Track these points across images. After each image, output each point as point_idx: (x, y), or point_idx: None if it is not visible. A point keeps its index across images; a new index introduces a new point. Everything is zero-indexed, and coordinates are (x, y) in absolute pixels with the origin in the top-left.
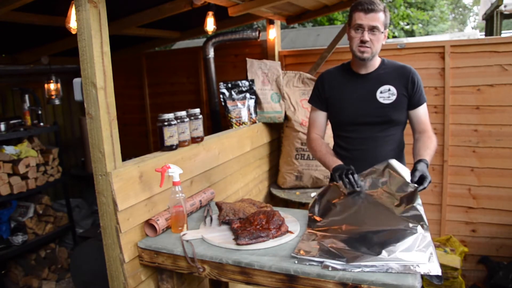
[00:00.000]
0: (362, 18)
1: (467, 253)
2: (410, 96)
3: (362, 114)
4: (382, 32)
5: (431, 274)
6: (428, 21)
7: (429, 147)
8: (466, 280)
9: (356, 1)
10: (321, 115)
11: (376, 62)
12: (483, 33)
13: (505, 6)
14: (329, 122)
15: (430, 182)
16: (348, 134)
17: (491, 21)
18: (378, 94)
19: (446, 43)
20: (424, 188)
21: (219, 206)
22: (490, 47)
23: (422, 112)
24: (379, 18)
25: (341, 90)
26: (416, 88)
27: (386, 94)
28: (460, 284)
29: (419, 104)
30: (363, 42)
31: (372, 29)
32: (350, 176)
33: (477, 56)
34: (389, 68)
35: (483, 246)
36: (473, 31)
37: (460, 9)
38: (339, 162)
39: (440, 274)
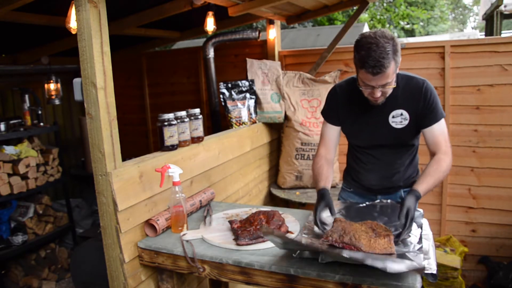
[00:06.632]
0: (370, 80)
1: (467, 253)
2: (423, 116)
3: (376, 139)
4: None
5: (427, 272)
6: (428, 21)
7: (431, 174)
8: (466, 280)
9: (361, 53)
10: (332, 130)
11: None
12: (483, 33)
13: (505, 6)
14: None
15: (412, 219)
16: (362, 154)
17: (491, 21)
18: (390, 119)
19: (446, 43)
20: (409, 229)
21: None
22: (490, 47)
23: (434, 132)
24: (389, 74)
25: (354, 113)
26: (428, 106)
27: (398, 119)
28: (460, 284)
29: (430, 124)
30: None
31: (383, 86)
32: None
33: (477, 56)
34: (401, 88)
35: (483, 246)
36: (473, 31)
37: (460, 9)
38: (323, 187)
39: (435, 272)
